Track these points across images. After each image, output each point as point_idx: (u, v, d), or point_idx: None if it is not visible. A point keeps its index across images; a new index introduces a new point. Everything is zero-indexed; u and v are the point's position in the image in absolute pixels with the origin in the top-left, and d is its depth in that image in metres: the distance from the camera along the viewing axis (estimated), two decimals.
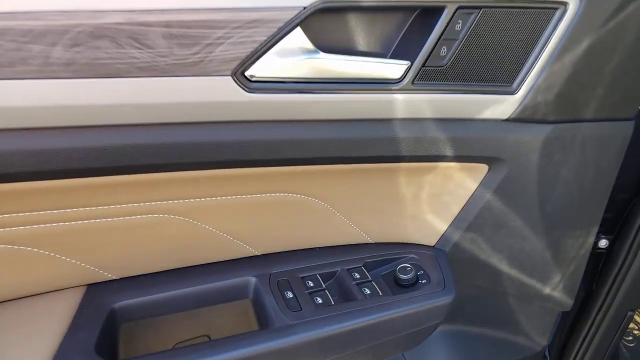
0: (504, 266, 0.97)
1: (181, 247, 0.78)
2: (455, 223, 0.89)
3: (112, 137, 0.60)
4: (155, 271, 0.79)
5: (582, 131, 0.82)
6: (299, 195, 0.79)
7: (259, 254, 0.85)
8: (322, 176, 0.77)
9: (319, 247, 0.88)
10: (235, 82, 0.61)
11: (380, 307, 0.78)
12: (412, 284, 0.85)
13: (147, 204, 0.71)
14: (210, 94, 0.61)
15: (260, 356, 0.70)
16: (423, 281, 0.86)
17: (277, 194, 0.77)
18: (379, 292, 0.82)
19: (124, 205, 0.69)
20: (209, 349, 0.70)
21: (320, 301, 0.79)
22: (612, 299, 1.20)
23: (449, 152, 0.76)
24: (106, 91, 0.57)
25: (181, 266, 0.81)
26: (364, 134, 0.71)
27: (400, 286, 0.85)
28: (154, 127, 0.61)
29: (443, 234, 0.91)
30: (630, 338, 1.67)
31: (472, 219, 0.88)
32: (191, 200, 0.73)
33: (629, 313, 1.27)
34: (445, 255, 0.91)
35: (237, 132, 0.65)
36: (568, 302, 1.09)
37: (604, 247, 1.10)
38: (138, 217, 0.72)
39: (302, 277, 0.82)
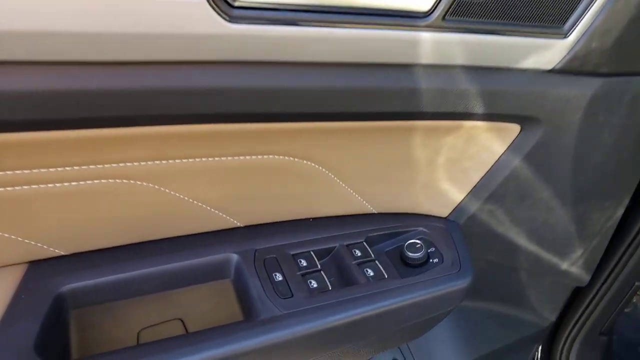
0: (522, 240, 0.85)
1: (146, 218, 0.63)
2: (474, 192, 0.76)
3: (44, 79, 0.44)
4: (115, 246, 0.65)
5: (634, 87, 0.68)
6: (290, 158, 0.64)
7: (241, 225, 0.71)
8: (319, 135, 0.63)
9: (312, 218, 0.74)
10: (212, 6, 0.45)
11: (386, 294, 0.66)
12: (422, 264, 0.72)
13: (101, 166, 0.56)
14: (177, 23, 0.45)
15: (244, 354, 0.58)
16: (435, 260, 0.73)
17: (264, 156, 0.62)
18: (384, 274, 0.69)
19: (69, 169, 0.54)
20: (181, 346, 0.57)
21: (315, 285, 0.66)
22: (622, 268, 1.11)
23: (478, 108, 0.62)
24: (23, 13, 0.40)
25: (146, 240, 0.66)
26: (377, 83, 0.55)
27: (408, 266, 0.72)
28: (100, 67, 0.45)
29: (458, 205, 0.78)
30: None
31: (494, 188, 0.74)
32: (157, 162, 0.58)
33: (637, 283, 1.18)
34: (459, 229, 0.78)
35: (213, 76, 0.49)
36: (585, 277, 0.98)
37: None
38: (90, 182, 0.57)
39: (294, 255, 0.69)
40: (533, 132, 0.68)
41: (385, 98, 0.57)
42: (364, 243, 0.73)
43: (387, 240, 0.76)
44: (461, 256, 0.73)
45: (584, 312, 1.28)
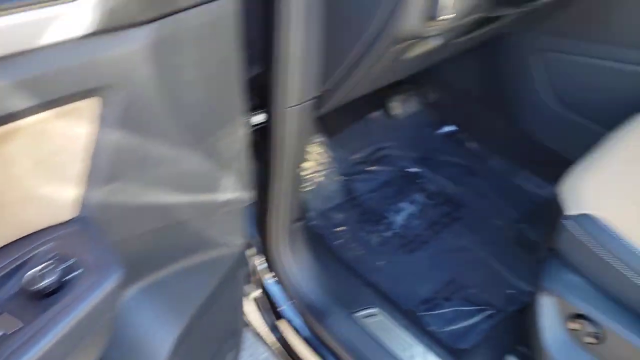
0: (171, 195, 0.83)
1: None
2: (91, 179, 0.68)
3: None
4: None
5: (186, 23, 0.68)
6: None
7: None
8: None
9: None
10: None
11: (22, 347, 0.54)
12: (60, 287, 0.62)
13: None
14: None
15: None
16: (78, 272, 0.64)
17: None
18: (16, 324, 0.57)
19: None
20: None
21: None
22: (282, 160, 1.21)
23: (37, 98, 0.53)
24: None
25: None
26: None
27: (46, 297, 0.61)
28: None
29: (82, 200, 0.69)
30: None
31: (107, 167, 0.68)
32: None
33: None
34: (91, 222, 0.70)
35: None
36: (247, 195, 1.04)
37: (265, 120, 1.11)
38: None
39: None
40: (116, 99, 0.63)
41: None
42: None
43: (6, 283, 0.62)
44: (100, 251, 0.65)
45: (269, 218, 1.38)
